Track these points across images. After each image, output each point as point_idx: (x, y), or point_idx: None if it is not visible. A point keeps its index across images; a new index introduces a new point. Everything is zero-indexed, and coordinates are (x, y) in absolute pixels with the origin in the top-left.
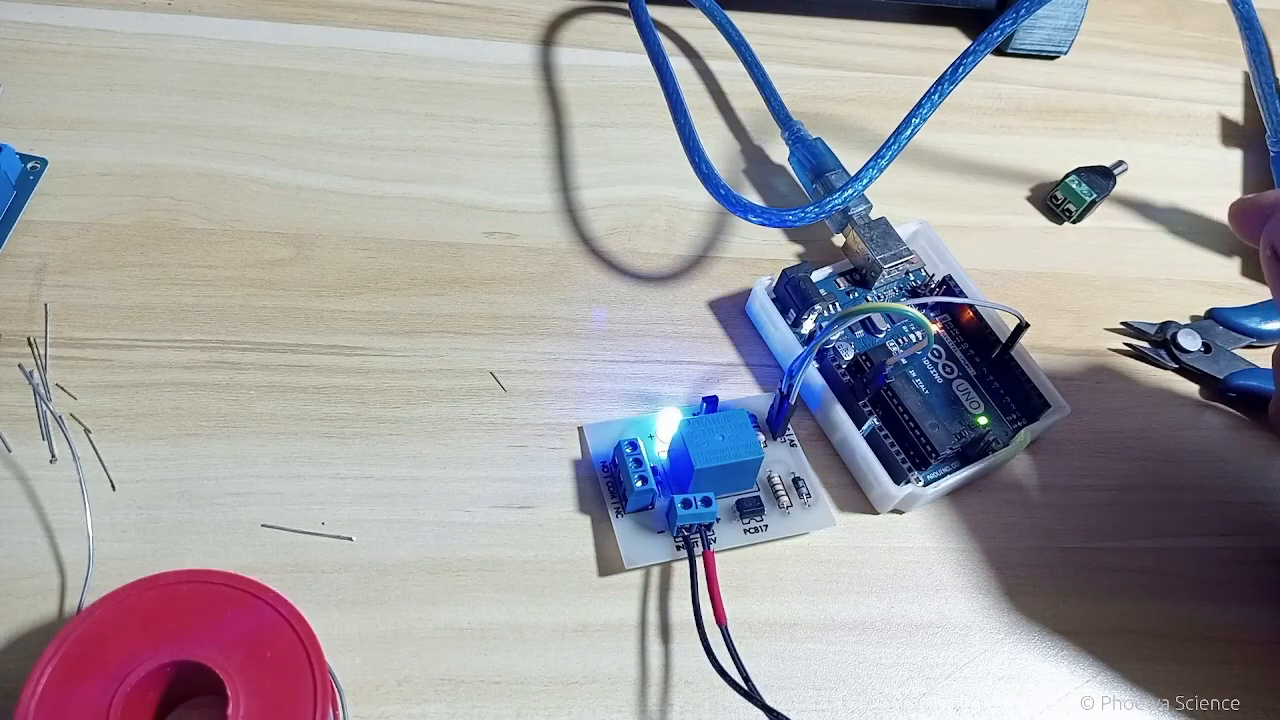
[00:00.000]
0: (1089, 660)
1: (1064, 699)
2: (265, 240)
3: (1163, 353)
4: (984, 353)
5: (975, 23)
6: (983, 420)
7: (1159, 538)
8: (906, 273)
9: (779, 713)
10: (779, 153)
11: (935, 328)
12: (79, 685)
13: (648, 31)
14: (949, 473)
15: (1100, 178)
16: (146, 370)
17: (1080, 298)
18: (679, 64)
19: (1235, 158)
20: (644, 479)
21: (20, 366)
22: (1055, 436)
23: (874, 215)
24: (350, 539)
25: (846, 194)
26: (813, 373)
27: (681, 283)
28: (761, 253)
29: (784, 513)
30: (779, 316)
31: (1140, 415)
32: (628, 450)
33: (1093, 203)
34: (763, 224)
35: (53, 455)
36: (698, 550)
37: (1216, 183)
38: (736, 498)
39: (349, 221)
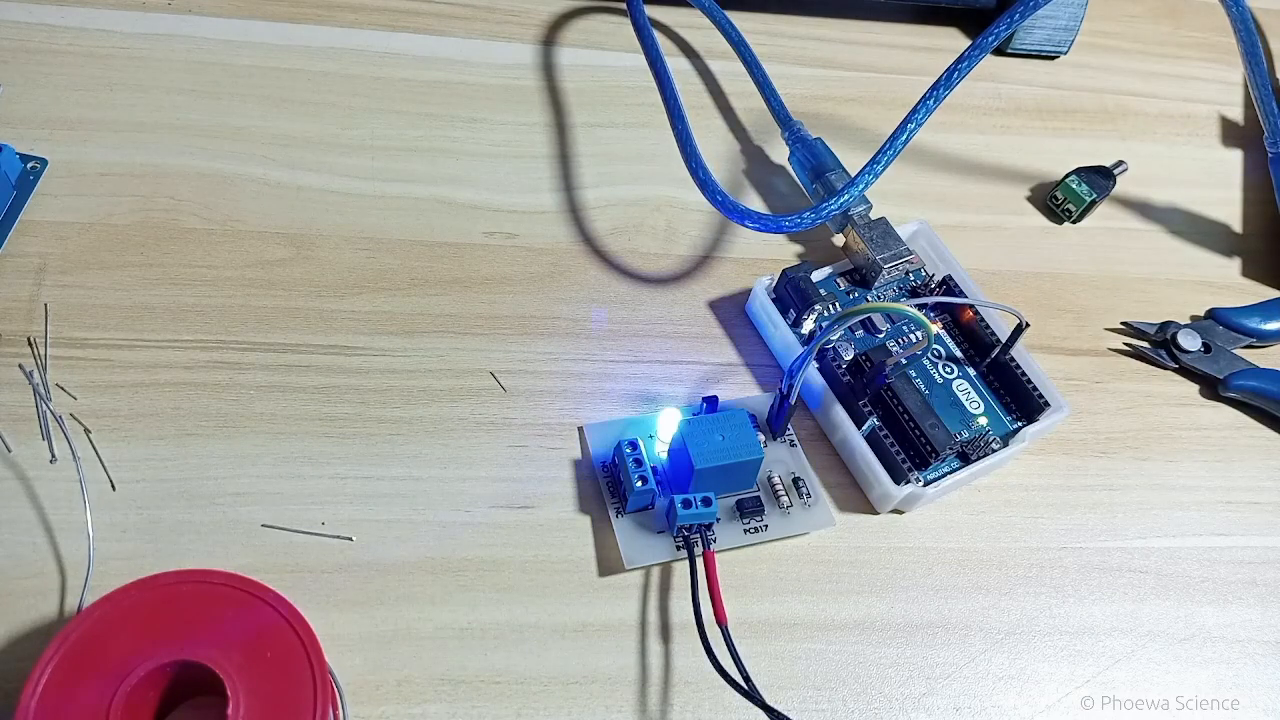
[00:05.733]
0: (1089, 660)
1: (1064, 699)
2: (265, 240)
3: (1163, 353)
4: (984, 353)
5: (975, 23)
6: (983, 420)
7: (1159, 538)
8: (906, 273)
9: (779, 713)
10: (779, 153)
11: (935, 328)
12: (79, 685)
13: (646, 34)
14: (949, 473)
15: (1100, 178)
16: (146, 370)
17: (1080, 298)
18: (679, 64)
19: (1235, 158)
20: (644, 479)
21: (20, 366)
22: (1055, 436)
23: (874, 215)
24: (350, 539)
25: (843, 199)
26: (813, 373)
27: (681, 283)
28: (762, 253)
29: (784, 513)
30: (779, 316)
31: (1140, 415)
32: (628, 450)
33: (1093, 203)
34: (760, 230)
35: (53, 455)
36: (698, 550)
37: (1216, 183)
38: (736, 498)
39: (349, 221)
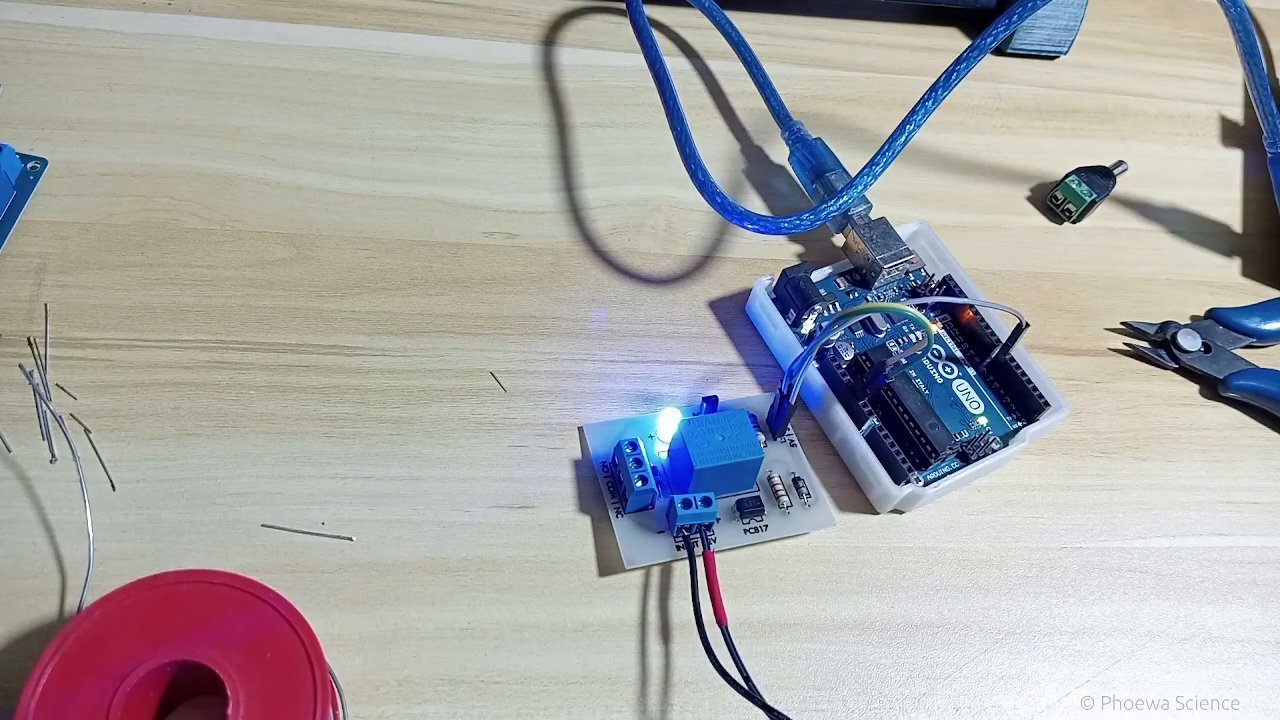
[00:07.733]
0: (1089, 660)
1: (1064, 699)
2: (265, 240)
3: (1163, 353)
4: (984, 353)
5: (975, 23)
6: (983, 420)
7: (1159, 538)
8: (906, 273)
9: (779, 712)
10: (779, 153)
11: (935, 328)
12: (79, 685)
13: (645, 35)
14: (949, 473)
15: (1100, 178)
16: (146, 370)
17: (1080, 298)
18: (679, 64)
19: (1235, 158)
20: (644, 479)
21: (20, 366)
22: (1055, 436)
23: (874, 215)
24: (350, 539)
25: (843, 199)
26: (813, 373)
27: (681, 283)
28: (762, 253)
29: (784, 513)
30: (779, 316)
31: (1140, 415)
32: (628, 450)
33: (1093, 203)
34: (759, 231)
35: (53, 455)
36: (698, 550)
37: (1216, 183)
38: (736, 498)
39: (349, 221)
